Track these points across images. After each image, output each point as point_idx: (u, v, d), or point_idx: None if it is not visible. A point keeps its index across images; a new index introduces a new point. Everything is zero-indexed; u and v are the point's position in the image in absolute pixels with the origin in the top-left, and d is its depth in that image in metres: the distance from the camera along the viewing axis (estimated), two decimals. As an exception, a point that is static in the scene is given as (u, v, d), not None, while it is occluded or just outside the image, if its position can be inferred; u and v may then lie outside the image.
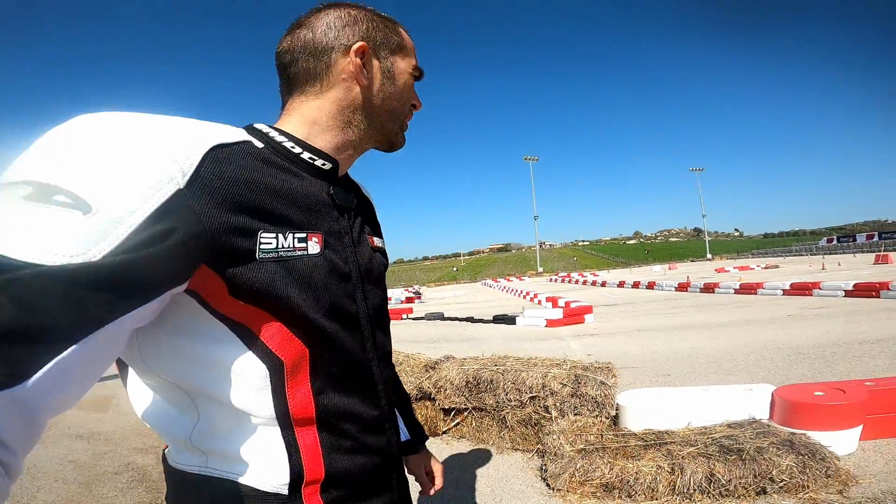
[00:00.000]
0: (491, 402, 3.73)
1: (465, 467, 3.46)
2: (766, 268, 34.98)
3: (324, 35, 0.73)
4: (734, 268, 37.50)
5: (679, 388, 3.61)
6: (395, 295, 31.19)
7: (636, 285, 25.03)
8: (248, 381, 0.63)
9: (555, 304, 15.26)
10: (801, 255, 59.40)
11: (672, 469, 2.52)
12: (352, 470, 0.74)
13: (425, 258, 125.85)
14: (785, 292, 14.68)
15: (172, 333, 0.61)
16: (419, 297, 28.77)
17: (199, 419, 0.66)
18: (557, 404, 3.43)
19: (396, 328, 14.03)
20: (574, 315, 11.89)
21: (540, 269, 60.45)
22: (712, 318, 10.90)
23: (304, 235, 0.66)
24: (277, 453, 0.67)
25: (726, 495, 2.41)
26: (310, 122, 0.74)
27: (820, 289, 13.50)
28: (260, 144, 0.66)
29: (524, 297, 23.36)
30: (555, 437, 3.07)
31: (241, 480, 0.67)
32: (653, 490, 2.51)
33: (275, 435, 0.67)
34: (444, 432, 4.07)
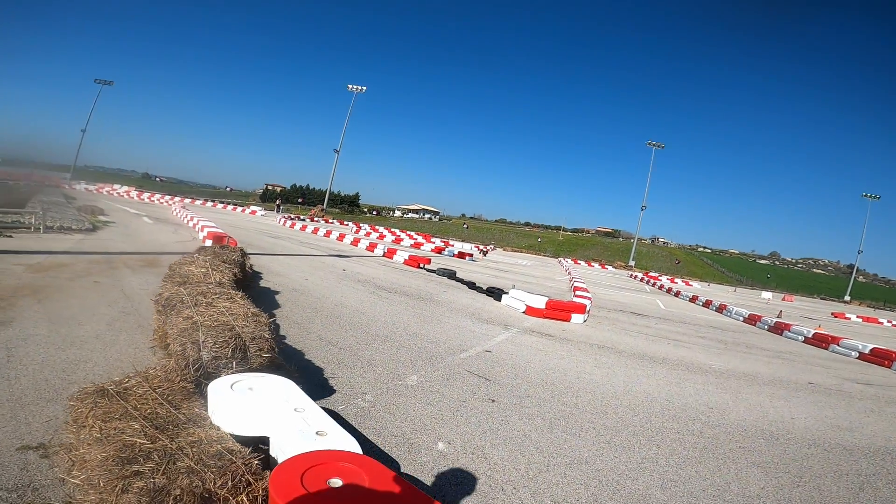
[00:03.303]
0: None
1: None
2: (899, 327, 28.09)
3: None
4: (859, 317, 30.67)
5: (269, 407, 2.60)
6: (464, 248, 30.81)
7: (707, 304, 21.62)
8: None
9: (582, 296, 13.56)
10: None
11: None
12: None
13: (527, 223, 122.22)
14: (861, 356, 11.45)
15: None
16: (471, 255, 27.87)
17: None
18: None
19: (394, 273, 13.57)
20: (558, 309, 10.38)
21: (632, 263, 55.41)
22: (725, 362, 8.78)
23: None
24: None
25: None
26: None
27: (904, 366, 10.24)
28: None
29: (571, 281, 21.53)
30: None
31: None
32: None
33: None
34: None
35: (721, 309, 20.05)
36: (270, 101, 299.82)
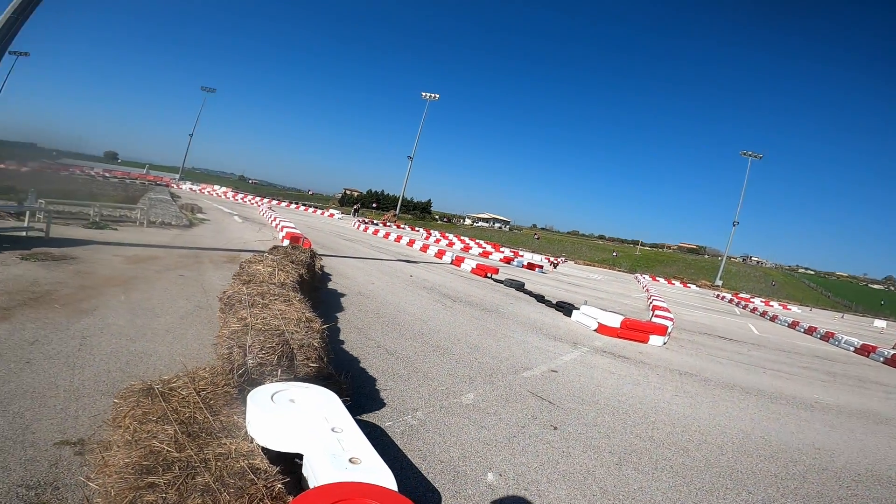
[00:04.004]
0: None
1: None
2: None
3: None
4: None
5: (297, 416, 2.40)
6: (534, 260, 30.02)
7: (810, 331, 19.19)
8: None
9: (662, 315, 12.53)
10: None
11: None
12: None
13: (601, 236, 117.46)
14: None
15: None
16: (541, 267, 26.96)
17: None
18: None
19: (460, 282, 13.38)
20: (634, 329, 9.58)
21: (719, 283, 50.90)
22: (833, 396, 7.61)
23: None
24: None
25: None
26: None
27: None
28: None
29: (649, 299, 20.10)
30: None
31: None
32: None
33: None
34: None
35: (827, 337, 17.70)
36: (352, 109, 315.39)
